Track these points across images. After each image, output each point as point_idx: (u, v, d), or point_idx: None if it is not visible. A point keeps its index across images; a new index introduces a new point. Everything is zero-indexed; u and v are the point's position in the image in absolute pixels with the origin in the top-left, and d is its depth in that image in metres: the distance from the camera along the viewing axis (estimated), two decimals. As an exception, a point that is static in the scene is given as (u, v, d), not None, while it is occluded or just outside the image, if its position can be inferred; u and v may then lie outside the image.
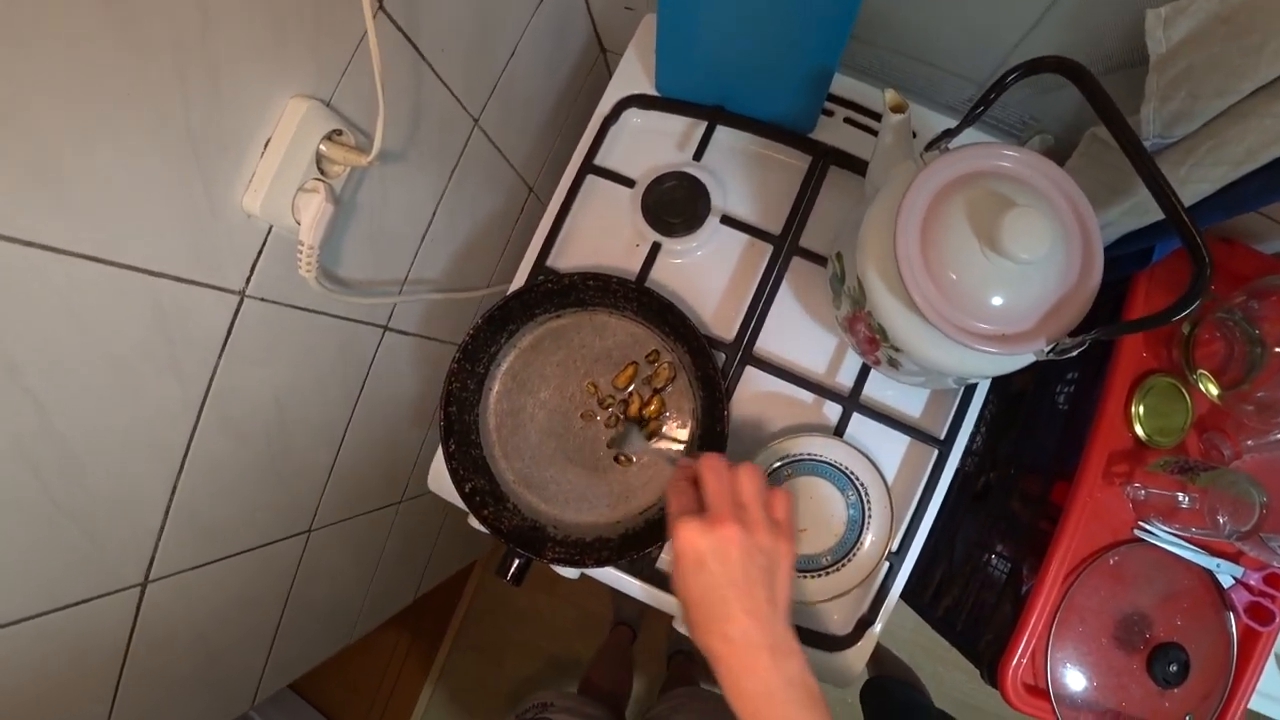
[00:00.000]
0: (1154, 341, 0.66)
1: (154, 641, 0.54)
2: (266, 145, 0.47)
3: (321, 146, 0.49)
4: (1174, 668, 0.61)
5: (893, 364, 0.55)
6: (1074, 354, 0.48)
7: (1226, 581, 0.64)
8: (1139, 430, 0.64)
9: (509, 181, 0.80)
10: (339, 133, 0.50)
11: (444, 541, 1.19)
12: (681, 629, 0.51)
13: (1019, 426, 0.77)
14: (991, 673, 0.65)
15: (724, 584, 0.39)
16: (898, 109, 0.52)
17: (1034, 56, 0.47)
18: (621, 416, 0.60)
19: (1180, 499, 0.61)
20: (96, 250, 0.38)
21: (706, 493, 0.42)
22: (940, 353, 0.50)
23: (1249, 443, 0.62)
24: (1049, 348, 0.48)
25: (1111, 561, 0.64)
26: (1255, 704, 0.65)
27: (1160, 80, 0.50)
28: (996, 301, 0.47)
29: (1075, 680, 0.63)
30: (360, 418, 0.70)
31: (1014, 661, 0.63)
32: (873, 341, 0.54)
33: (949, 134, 0.50)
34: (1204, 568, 0.64)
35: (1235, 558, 0.64)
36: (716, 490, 0.42)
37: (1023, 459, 0.75)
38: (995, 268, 0.46)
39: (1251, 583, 0.63)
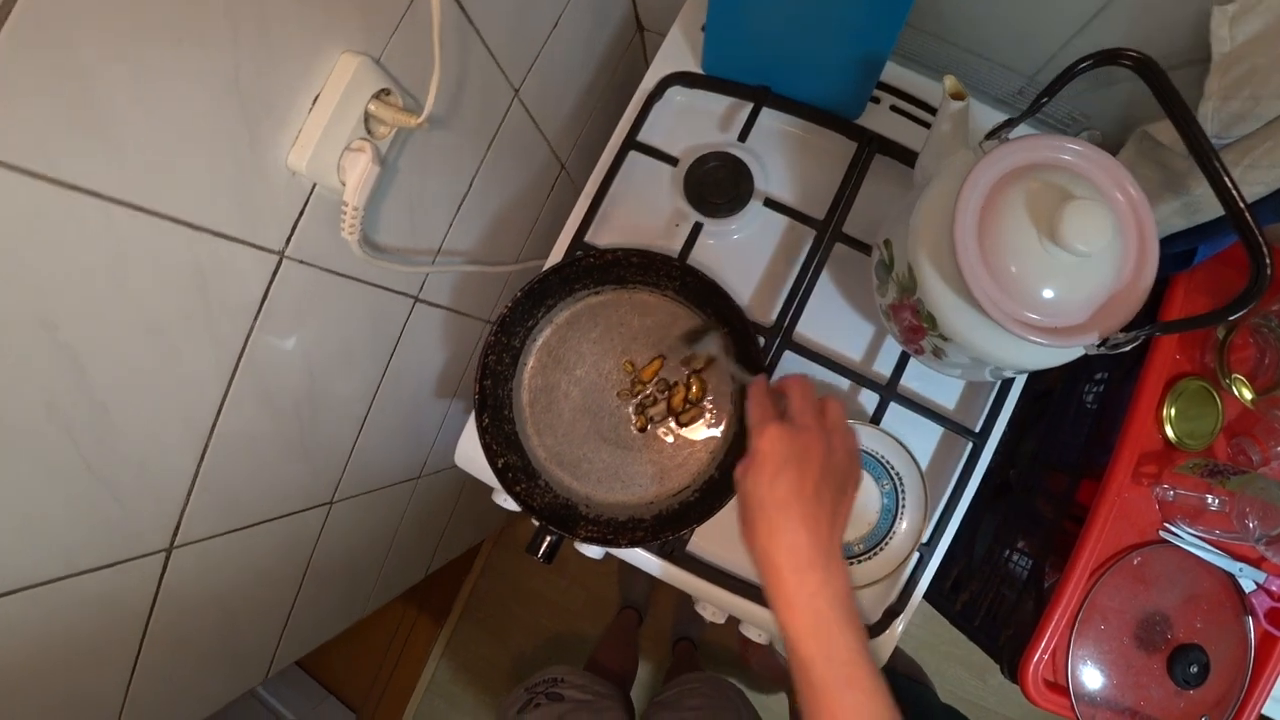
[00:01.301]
0: (1188, 345, 0.66)
1: (176, 609, 0.53)
2: (315, 101, 0.45)
3: (370, 105, 0.48)
4: (1194, 669, 0.62)
5: (937, 353, 0.54)
6: (1125, 349, 0.47)
7: (1248, 586, 0.64)
8: (1169, 432, 0.64)
9: (542, 157, 0.79)
10: (387, 92, 0.49)
11: (457, 519, 1.18)
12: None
13: (1044, 425, 0.77)
14: (1012, 668, 0.65)
15: (797, 492, 0.39)
16: (957, 96, 0.51)
17: (1088, 51, 0.46)
18: (661, 397, 0.59)
19: (1209, 501, 0.61)
20: (140, 199, 0.36)
21: (793, 403, 0.42)
22: (990, 343, 0.50)
23: (1279, 449, 0.63)
24: (1101, 342, 0.47)
25: (1135, 561, 0.64)
26: (1269, 709, 0.65)
27: (1222, 80, 0.50)
28: (1049, 294, 0.47)
29: (1095, 678, 0.64)
30: (386, 390, 0.68)
31: (1035, 658, 0.63)
32: (918, 330, 0.54)
33: (1010, 123, 0.50)
34: (1226, 571, 0.64)
35: (1257, 563, 0.64)
36: (804, 405, 0.42)
37: (1048, 457, 0.75)
38: (1052, 259, 0.46)
39: (1273, 588, 0.64)
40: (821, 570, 0.39)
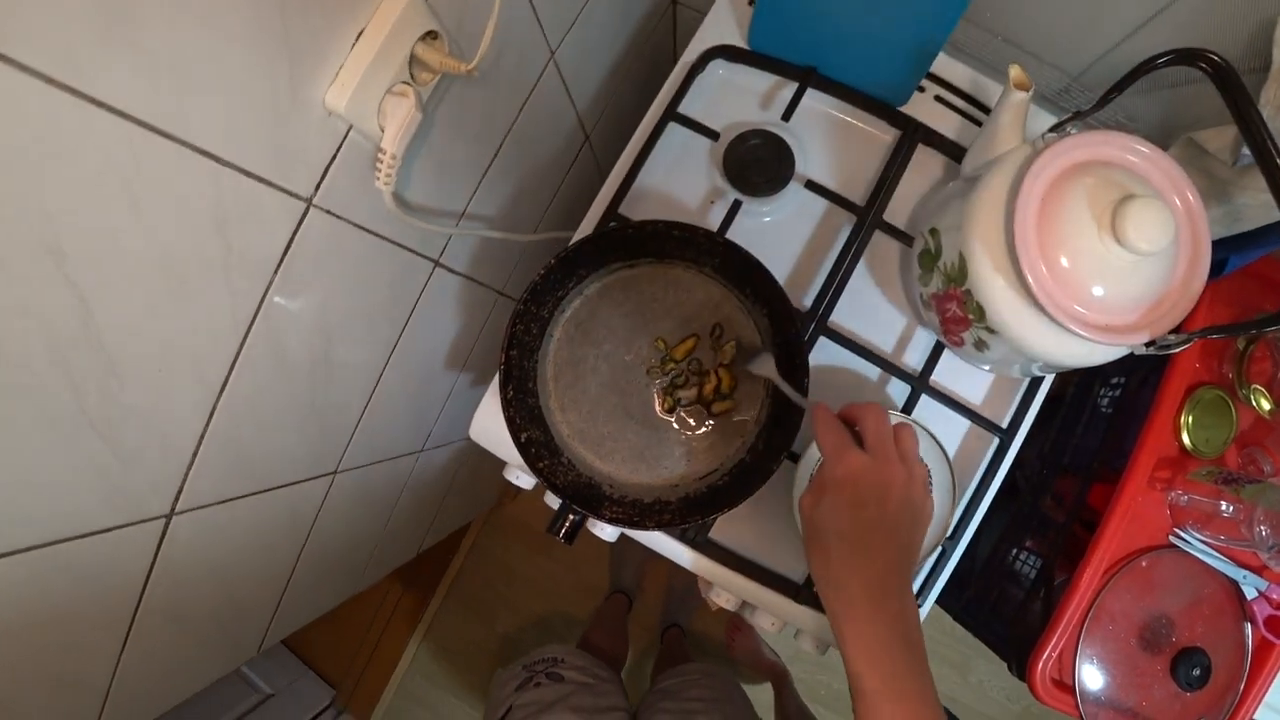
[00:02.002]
0: (1207, 355, 0.67)
1: (172, 580, 0.50)
2: (359, 37, 0.42)
3: (417, 48, 0.45)
4: (1197, 671, 0.63)
5: (979, 345, 0.54)
6: (1174, 350, 0.47)
7: (1250, 594, 0.66)
8: (1185, 439, 0.65)
9: (569, 125, 0.76)
10: (434, 35, 0.46)
11: (452, 498, 1.15)
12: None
13: (1056, 428, 0.78)
14: (1021, 667, 0.65)
15: (877, 524, 0.38)
16: (1021, 86, 0.50)
17: (1137, 54, 0.46)
18: (694, 378, 0.58)
19: (1222, 508, 0.62)
20: (166, 123, 0.33)
21: (868, 433, 0.41)
22: (1039, 337, 0.49)
23: (1290, 460, 0.64)
24: (1150, 342, 0.47)
25: (1144, 565, 0.65)
26: (1260, 715, 0.67)
27: (1279, 91, 0.49)
28: (1099, 291, 0.46)
29: (1099, 678, 0.64)
30: (398, 357, 0.65)
31: (1044, 657, 0.63)
32: (962, 321, 0.53)
33: (1077, 116, 0.49)
34: (1230, 578, 0.65)
35: (1260, 570, 0.66)
36: (882, 434, 0.41)
37: (1059, 460, 0.76)
38: (1109, 256, 0.45)
39: (1274, 596, 0.65)
40: (897, 601, 0.38)
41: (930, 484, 0.45)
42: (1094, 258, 0.46)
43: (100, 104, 0.29)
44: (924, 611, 0.61)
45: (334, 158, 0.45)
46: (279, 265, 0.46)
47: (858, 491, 0.39)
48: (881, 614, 0.37)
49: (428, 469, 0.91)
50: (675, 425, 0.58)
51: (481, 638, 1.53)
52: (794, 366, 0.53)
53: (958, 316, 0.53)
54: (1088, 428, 0.74)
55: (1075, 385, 0.79)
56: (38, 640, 0.42)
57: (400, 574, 1.12)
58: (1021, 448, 0.83)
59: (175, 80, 0.32)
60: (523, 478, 0.62)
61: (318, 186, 0.45)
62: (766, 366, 0.53)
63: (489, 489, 1.44)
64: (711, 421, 0.58)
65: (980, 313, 0.51)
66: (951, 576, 0.84)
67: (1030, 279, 0.45)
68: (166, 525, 0.48)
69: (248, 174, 0.39)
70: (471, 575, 1.55)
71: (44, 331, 0.33)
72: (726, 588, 0.60)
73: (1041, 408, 0.64)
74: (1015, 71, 0.50)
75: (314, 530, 0.67)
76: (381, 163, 0.46)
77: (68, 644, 0.44)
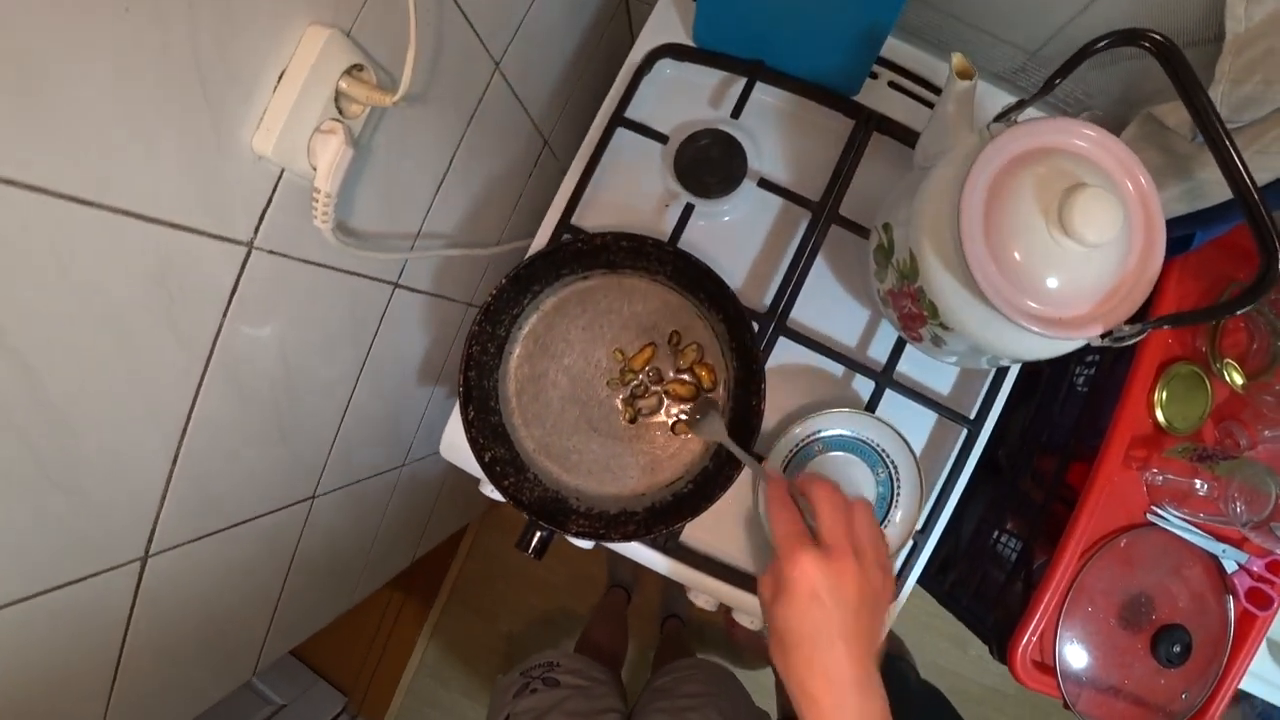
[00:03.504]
0: (1180, 329, 0.65)
1: (155, 616, 0.51)
2: (280, 78, 0.42)
3: (341, 83, 0.44)
4: (1177, 648, 0.63)
5: (936, 342, 0.53)
6: (1128, 342, 0.46)
7: (1230, 567, 0.65)
8: (1160, 416, 0.64)
9: (525, 133, 0.75)
10: (360, 68, 0.45)
11: (443, 505, 1.16)
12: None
13: (1034, 406, 0.77)
14: (1001, 650, 0.66)
15: (836, 622, 0.38)
16: (964, 75, 0.49)
17: (1093, 26, 0.44)
18: (654, 388, 0.58)
19: (1197, 485, 0.62)
20: (88, 192, 0.33)
21: (822, 523, 0.41)
22: (992, 333, 0.48)
23: (1266, 433, 0.63)
24: (1105, 334, 0.46)
25: (1122, 544, 0.65)
26: (1245, 684, 0.67)
27: (1235, 62, 0.48)
28: (1053, 283, 0.45)
29: (1080, 657, 0.65)
30: (367, 378, 0.66)
31: (1025, 639, 0.64)
32: (918, 317, 0.52)
33: (1021, 105, 0.48)
34: (1210, 553, 0.65)
35: (1240, 544, 0.65)
36: (834, 523, 0.41)
37: (1038, 438, 0.75)
38: (1058, 248, 0.44)
39: (1254, 569, 0.65)
40: (858, 694, 0.38)
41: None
42: (1045, 250, 0.45)
43: (12, 182, 0.30)
44: (902, 598, 0.61)
45: (270, 200, 0.45)
46: (227, 308, 0.46)
47: (813, 590, 0.38)
48: (844, 707, 0.37)
49: (413, 482, 0.92)
50: (639, 435, 0.58)
51: (487, 637, 1.56)
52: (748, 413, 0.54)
53: (913, 313, 0.53)
54: (1065, 405, 0.73)
55: (1052, 363, 0.78)
56: (27, 685, 0.43)
57: (402, 581, 1.14)
58: (1005, 421, 0.83)
59: (91, 150, 0.32)
60: (496, 492, 0.63)
61: (256, 229, 0.45)
62: (715, 429, 0.53)
63: (480, 494, 1.46)
64: (673, 430, 0.58)
65: (933, 310, 0.50)
66: (936, 560, 0.85)
67: (978, 276, 0.45)
68: (143, 567, 0.49)
69: (179, 227, 0.40)
70: (473, 577, 1.58)
71: (-8, 399, 0.33)
72: (702, 590, 0.61)
73: (1022, 382, 0.64)
74: (957, 59, 0.49)
75: (299, 552, 0.68)
76: (318, 201, 0.46)
77: (53, 688, 0.45)
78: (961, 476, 0.60)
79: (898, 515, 0.58)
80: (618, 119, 0.61)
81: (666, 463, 0.58)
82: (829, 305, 0.62)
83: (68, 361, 0.36)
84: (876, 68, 0.63)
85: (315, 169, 0.45)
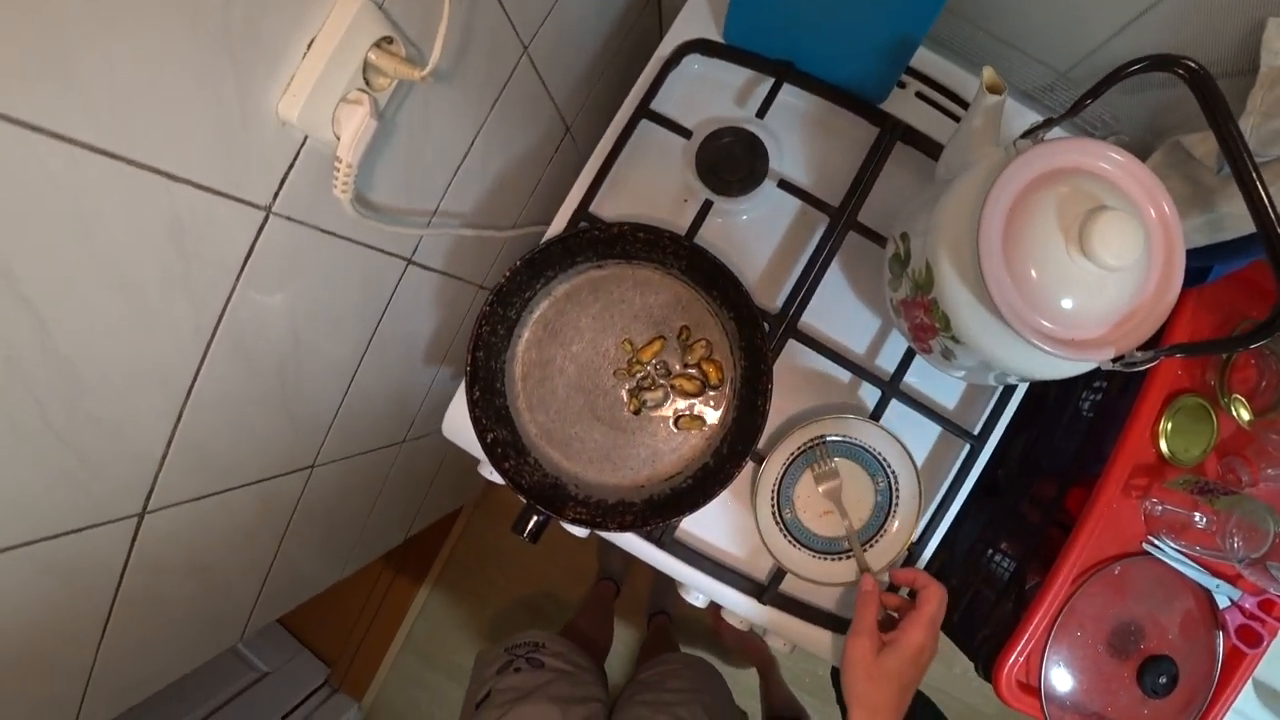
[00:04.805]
0: (1190, 362, 0.65)
1: (148, 572, 0.52)
2: (310, 46, 0.42)
3: (370, 54, 0.44)
4: (1163, 679, 0.63)
5: (946, 354, 0.53)
6: (1139, 368, 0.46)
7: (1222, 603, 0.65)
8: (1163, 446, 0.64)
9: (548, 119, 0.75)
10: (389, 40, 0.45)
11: (439, 484, 1.17)
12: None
13: (1037, 428, 0.77)
14: (987, 668, 0.65)
15: (914, 680, 0.51)
16: (995, 90, 0.49)
17: (1126, 50, 0.44)
18: (661, 381, 0.58)
19: (1196, 519, 0.62)
20: (111, 144, 0.33)
21: (929, 611, 0.52)
22: (1004, 350, 0.48)
23: (1269, 471, 0.63)
24: (1117, 359, 0.46)
25: (1116, 571, 0.65)
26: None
27: (1267, 95, 0.48)
28: (1067, 304, 0.45)
29: (1066, 682, 0.65)
30: (374, 352, 0.66)
31: (1011, 660, 0.64)
32: (929, 329, 0.52)
33: (1049, 123, 0.47)
34: (1203, 587, 0.65)
35: (1234, 580, 0.65)
36: (939, 618, 0.53)
37: (1038, 461, 0.75)
38: (1076, 270, 0.44)
39: (1246, 605, 0.65)
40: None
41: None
42: (1062, 270, 0.45)
43: (37, 129, 0.30)
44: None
45: (291, 166, 0.45)
46: (240, 273, 0.46)
47: (918, 657, 0.51)
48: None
49: (412, 458, 0.92)
50: (643, 426, 0.58)
51: (474, 619, 1.56)
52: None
53: (925, 324, 0.52)
54: (1068, 430, 0.73)
55: (1058, 386, 0.78)
56: (15, 631, 0.44)
57: (393, 557, 1.15)
58: (1005, 444, 0.83)
59: (118, 104, 0.32)
60: (495, 474, 0.63)
61: (276, 195, 0.45)
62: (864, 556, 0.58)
63: (476, 476, 1.46)
64: (676, 427, 0.58)
65: (946, 322, 0.50)
66: (928, 573, 0.85)
67: (994, 291, 0.45)
68: (139, 523, 0.49)
69: (200, 187, 0.40)
70: (464, 559, 1.58)
71: (1, 347, 0.34)
72: (693, 586, 0.61)
73: (1026, 406, 0.64)
74: (988, 73, 0.49)
75: (293, 521, 0.68)
76: (339, 170, 0.46)
77: (43, 634, 0.46)
78: (961, 491, 0.60)
79: (894, 525, 0.58)
80: (642, 110, 0.61)
81: (668, 456, 0.58)
82: (841, 311, 0.62)
83: (79, 314, 0.36)
84: (905, 77, 0.63)
85: (339, 138, 0.45)
